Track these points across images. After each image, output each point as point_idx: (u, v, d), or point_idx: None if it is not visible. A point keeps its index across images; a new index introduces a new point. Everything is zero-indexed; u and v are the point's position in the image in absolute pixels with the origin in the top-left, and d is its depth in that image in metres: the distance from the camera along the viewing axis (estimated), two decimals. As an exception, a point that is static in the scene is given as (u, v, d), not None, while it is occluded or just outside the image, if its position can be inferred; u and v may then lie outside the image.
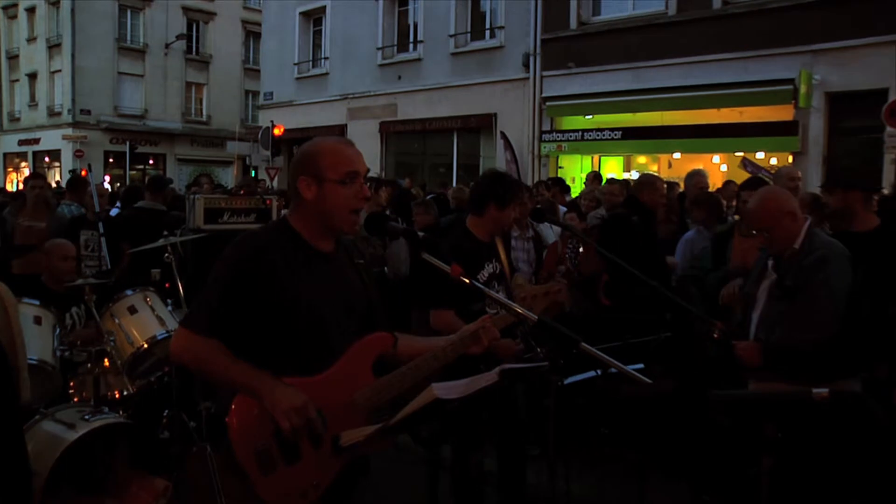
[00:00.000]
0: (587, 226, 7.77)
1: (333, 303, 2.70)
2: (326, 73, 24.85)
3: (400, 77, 22.23)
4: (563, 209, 9.27)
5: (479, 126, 20.35)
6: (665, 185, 7.35)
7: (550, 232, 7.69)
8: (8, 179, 38.32)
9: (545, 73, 18.53)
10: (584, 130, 17.92)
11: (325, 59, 24.98)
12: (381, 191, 8.88)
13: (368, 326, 2.79)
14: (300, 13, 25.63)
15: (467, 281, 2.72)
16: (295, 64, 25.92)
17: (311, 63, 25.83)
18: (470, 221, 4.58)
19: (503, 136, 19.00)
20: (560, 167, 18.75)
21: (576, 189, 14.85)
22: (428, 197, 10.97)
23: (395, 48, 22.67)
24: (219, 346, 2.57)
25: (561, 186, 12.11)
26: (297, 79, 25.94)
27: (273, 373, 2.56)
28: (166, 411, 5.43)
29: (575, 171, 18.84)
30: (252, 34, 38.69)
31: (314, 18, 25.63)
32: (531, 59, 18.74)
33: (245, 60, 40.29)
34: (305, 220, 2.71)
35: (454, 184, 16.24)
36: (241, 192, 8.83)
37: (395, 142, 23.31)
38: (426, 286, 4.37)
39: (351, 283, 2.81)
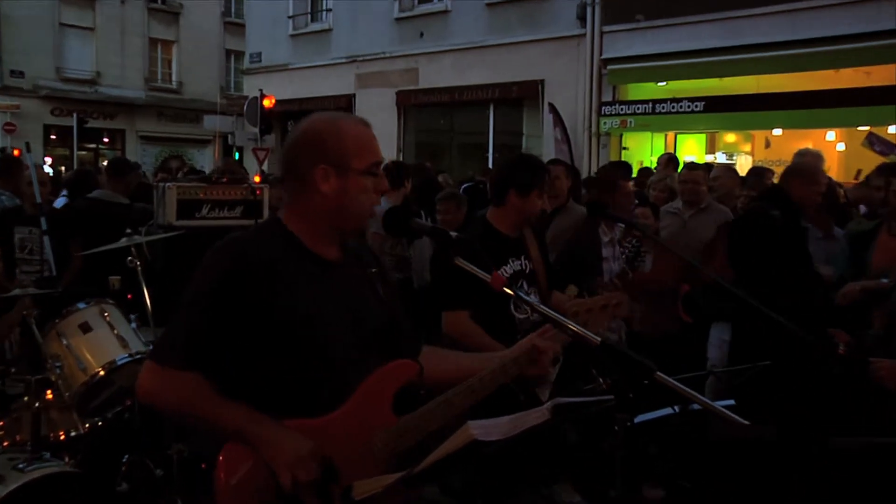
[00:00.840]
0: (658, 224, 7.75)
1: (344, 324, 2.73)
2: (329, 30, 25.00)
3: (422, 34, 22.29)
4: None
5: (522, 96, 20.33)
6: (826, 178, 7.20)
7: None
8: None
9: (606, 29, 18.47)
10: (655, 101, 17.79)
11: (328, 11, 25.15)
12: (406, 180, 8.81)
13: (388, 352, 2.81)
14: (295, -49, 25.85)
15: (511, 293, 2.75)
16: (290, 17, 26.11)
17: (309, 16, 26.01)
18: (491, 213, 5.05)
19: (552, 108, 18.93)
20: (624, 148, 18.72)
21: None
22: (464, 186, 10.85)
23: (416, -3, 22.79)
24: (201, 383, 2.59)
25: (625, 172, 12.05)
26: (293, 36, 26.14)
27: (269, 413, 2.59)
28: (126, 456, 5.44)
29: (643, 153, 18.79)
30: (234, -22, 39.04)
31: (313, -42, 25.85)
32: (588, 10, 18.69)
33: (225, 12, 40.61)
34: (308, 220, 2.74)
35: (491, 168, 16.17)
36: (224, 179, 8.89)
37: (416, 116, 23.40)
38: (440, 285, 4.68)
39: (365, 297, 2.84)
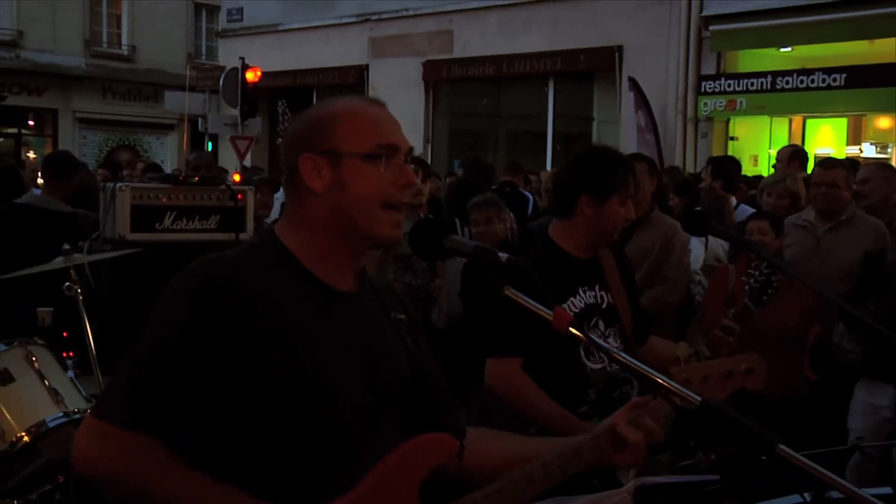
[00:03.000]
0: (781, 243, 7.65)
1: (356, 376, 2.72)
2: (334, -21, 25.15)
3: (458, -16, 22.40)
4: (746, 209, 9.26)
5: (593, 68, 20.53)
6: None
7: (710, 250, 7.72)
8: None
9: (708, -24, 18.52)
10: (775, 74, 17.82)
11: (332, -47, 25.29)
12: (425, 182, 8.87)
13: (419, 422, 2.81)
14: None
15: (580, 335, 2.72)
16: (280, -39, 26.31)
17: (307, -40, 26.19)
18: (554, 229, 4.98)
19: (633, 85, 19.03)
20: (732, 138, 18.75)
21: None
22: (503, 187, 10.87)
23: (450, -63, 22.89)
24: (158, 449, 2.56)
25: (730, 170, 12.03)
26: (284, -12, 26.32)
27: (257, 496, 2.57)
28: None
29: (758, 144, 18.80)
30: None
31: None
32: (684, -49, 18.76)
33: (194, -46, 40.84)
34: (309, 233, 2.76)
35: (548, 165, 16.20)
36: (195, 178, 8.92)
37: (450, 95, 23.61)
38: (484, 323, 4.66)
39: (386, 342, 2.85)
